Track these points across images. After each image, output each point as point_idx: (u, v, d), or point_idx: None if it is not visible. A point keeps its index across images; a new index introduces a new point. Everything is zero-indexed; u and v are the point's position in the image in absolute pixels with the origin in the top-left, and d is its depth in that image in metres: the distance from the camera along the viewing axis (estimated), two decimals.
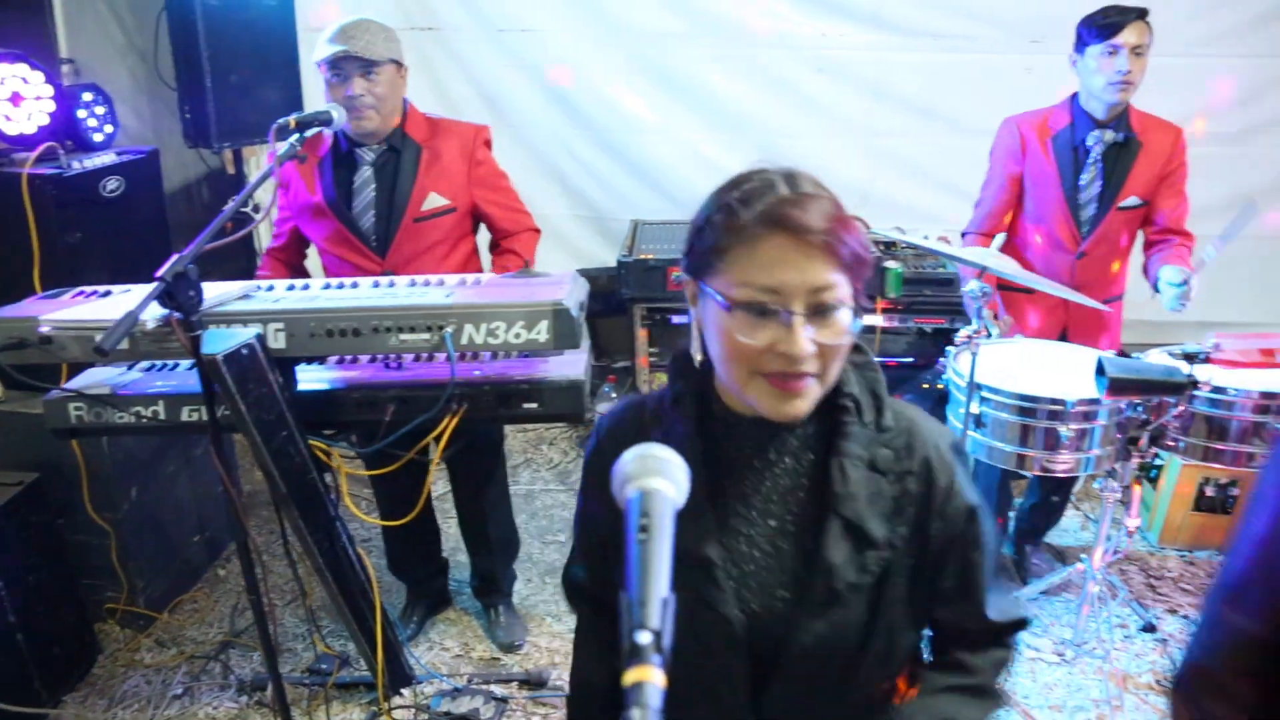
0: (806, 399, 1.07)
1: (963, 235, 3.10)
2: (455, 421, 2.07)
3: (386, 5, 4.00)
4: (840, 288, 1.04)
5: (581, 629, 1.40)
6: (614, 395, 4.02)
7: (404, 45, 2.50)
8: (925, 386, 3.61)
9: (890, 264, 3.38)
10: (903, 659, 1.21)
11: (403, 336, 1.96)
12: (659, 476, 0.87)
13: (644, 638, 0.73)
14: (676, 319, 3.77)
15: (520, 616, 3.08)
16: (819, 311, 1.04)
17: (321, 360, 2.26)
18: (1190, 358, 2.25)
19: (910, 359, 3.66)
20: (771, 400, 1.07)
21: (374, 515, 3.00)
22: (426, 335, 1.95)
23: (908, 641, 1.18)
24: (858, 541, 1.11)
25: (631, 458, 0.89)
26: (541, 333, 1.93)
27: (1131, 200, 2.81)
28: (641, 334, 3.61)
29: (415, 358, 2.23)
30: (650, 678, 0.69)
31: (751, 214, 1.03)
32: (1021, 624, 1.28)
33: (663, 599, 0.75)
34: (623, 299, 3.70)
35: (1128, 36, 2.64)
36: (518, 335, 1.93)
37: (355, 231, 2.55)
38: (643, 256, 3.52)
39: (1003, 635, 1.27)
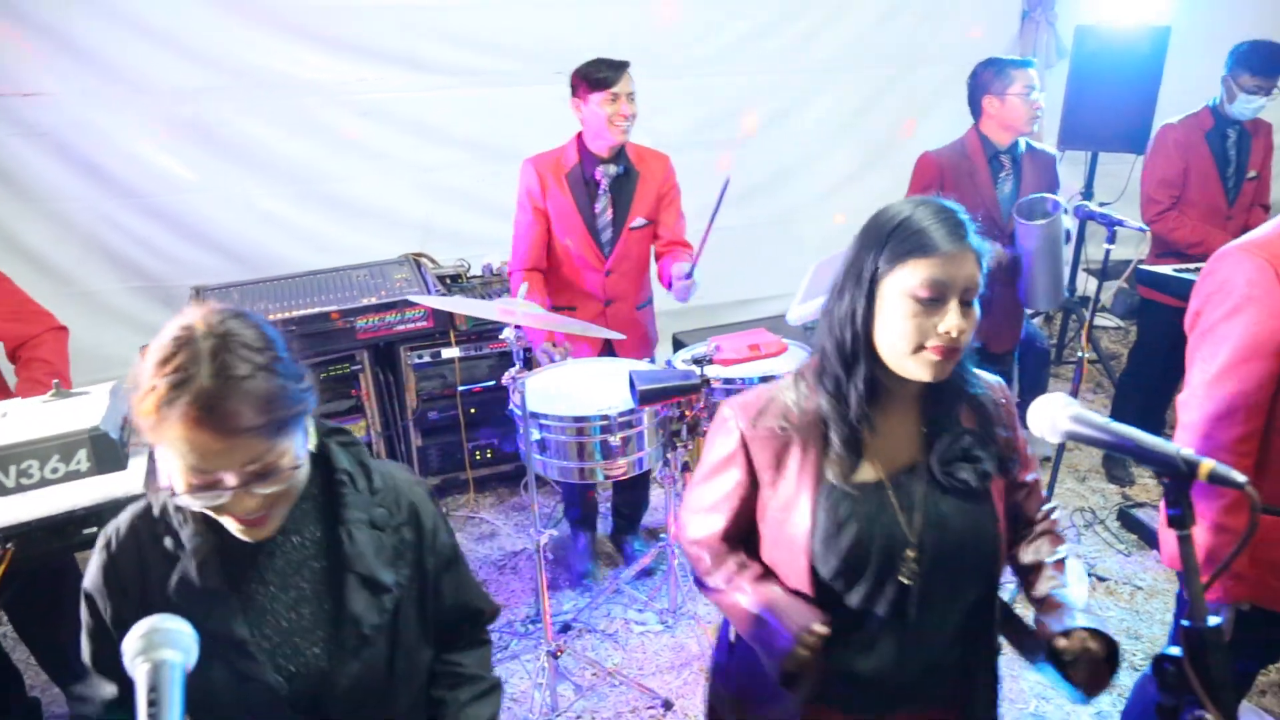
0: (270, 528, 1.23)
1: (510, 274, 3.37)
2: (4, 568, 1.94)
3: None
4: (277, 448, 1.15)
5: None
6: None
7: None
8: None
9: None
10: (423, 677, 1.43)
11: None
12: (167, 648, 0.97)
13: None
14: None
15: None
16: (262, 476, 1.14)
17: None
18: (699, 361, 2.67)
19: (492, 382, 3.89)
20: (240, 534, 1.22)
21: None
22: None
23: (424, 658, 1.41)
24: (373, 590, 1.30)
25: (139, 634, 0.98)
26: (81, 462, 1.87)
27: (639, 221, 3.23)
28: None
29: None
30: None
31: (175, 414, 1.07)
32: (488, 613, 1.56)
33: None
34: None
35: (624, 85, 3.02)
36: (55, 470, 1.86)
37: None
38: None
39: (479, 629, 1.55)
